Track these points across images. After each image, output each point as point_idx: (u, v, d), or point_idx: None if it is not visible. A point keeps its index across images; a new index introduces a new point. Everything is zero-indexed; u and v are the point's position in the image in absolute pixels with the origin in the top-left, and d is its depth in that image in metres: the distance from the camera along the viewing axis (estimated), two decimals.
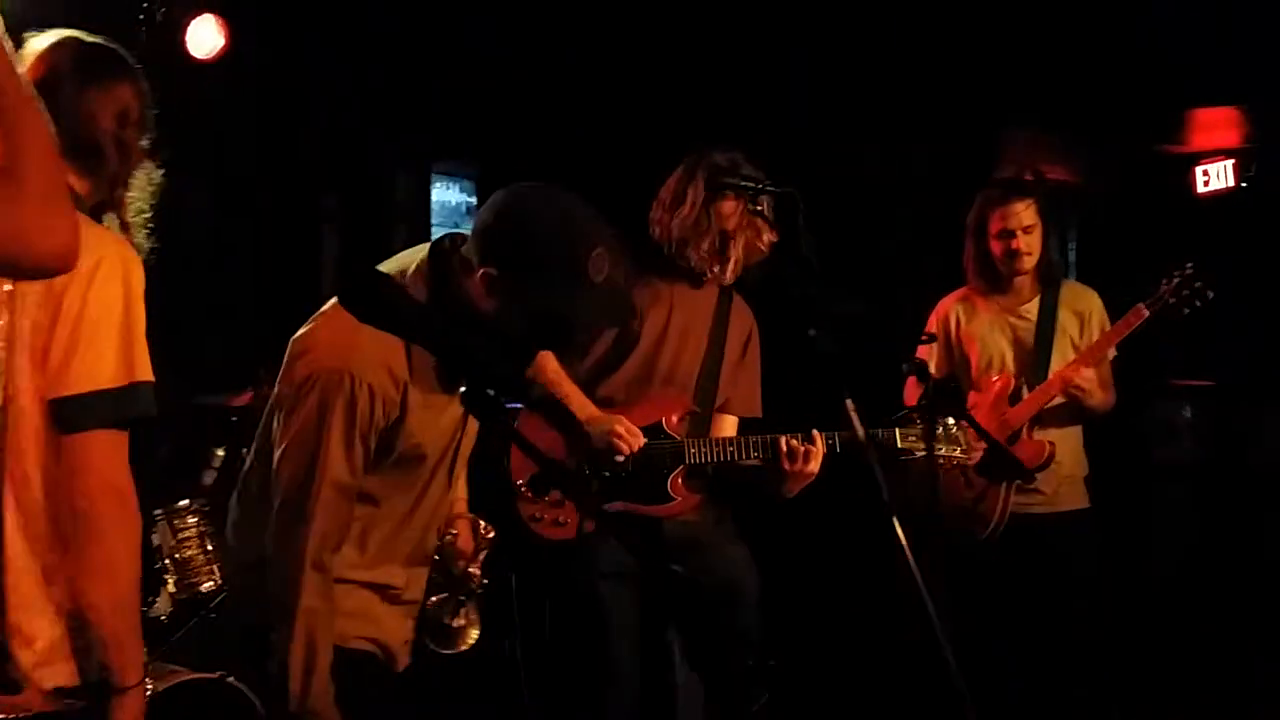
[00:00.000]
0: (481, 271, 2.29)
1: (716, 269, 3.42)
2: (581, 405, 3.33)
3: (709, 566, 3.46)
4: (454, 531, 2.64)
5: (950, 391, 3.13)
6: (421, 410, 2.37)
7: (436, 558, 2.61)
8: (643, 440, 3.31)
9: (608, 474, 3.31)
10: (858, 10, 5.56)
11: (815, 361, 2.60)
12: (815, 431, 3.29)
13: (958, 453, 3.49)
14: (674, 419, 3.40)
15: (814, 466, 3.32)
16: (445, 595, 2.59)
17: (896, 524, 2.26)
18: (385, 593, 2.50)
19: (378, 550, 2.47)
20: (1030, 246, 4.02)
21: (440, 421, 2.45)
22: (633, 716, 3.43)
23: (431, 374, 2.37)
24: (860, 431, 2.55)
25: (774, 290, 2.74)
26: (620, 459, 3.28)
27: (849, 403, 2.51)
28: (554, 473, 3.31)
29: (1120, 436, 4.24)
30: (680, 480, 3.38)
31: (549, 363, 3.35)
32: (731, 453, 3.35)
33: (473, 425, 2.55)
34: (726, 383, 3.51)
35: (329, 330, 2.36)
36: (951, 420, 3.41)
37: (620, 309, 2.50)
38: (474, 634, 2.65)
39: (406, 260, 2.44)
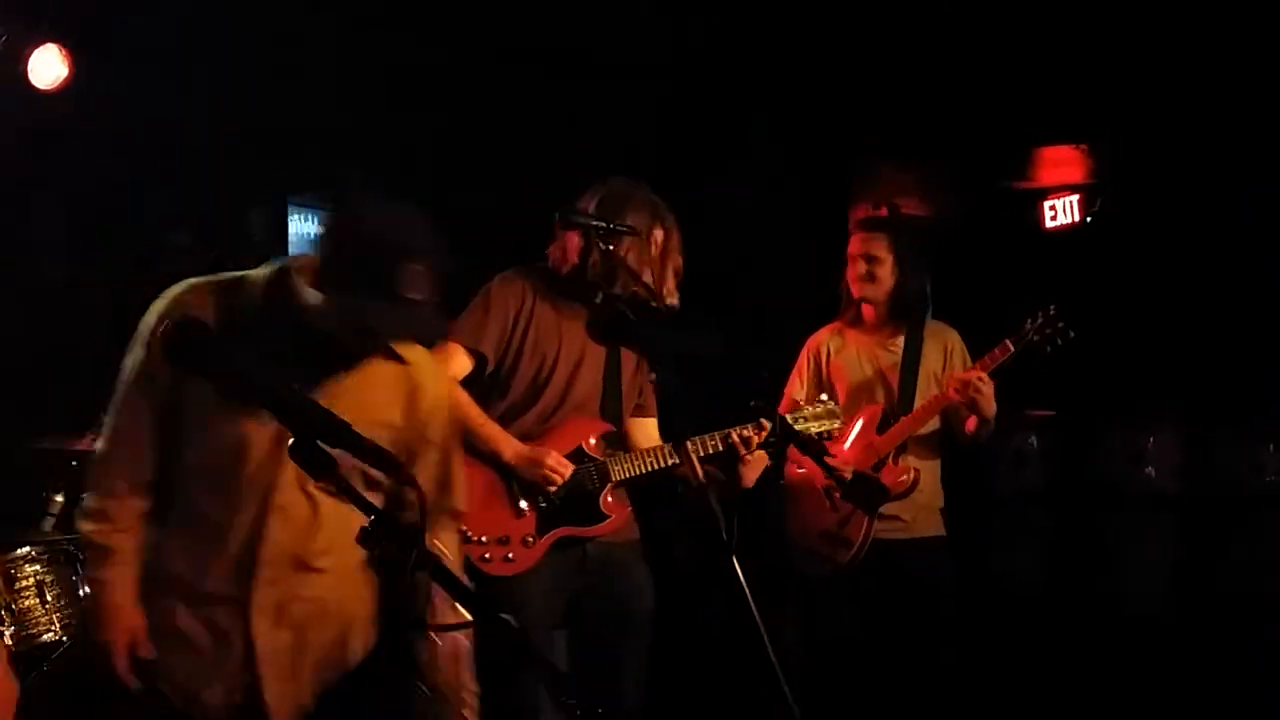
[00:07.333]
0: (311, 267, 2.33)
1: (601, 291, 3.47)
2: (508, 444, 3.44)
3: (615, 588, 3.53)
4: None
5: (795, 433, 3.20)
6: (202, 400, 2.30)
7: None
8: (571, 468, 3.43)
9: (544, 504, 3.44)
10: (721, 46, 5.65)
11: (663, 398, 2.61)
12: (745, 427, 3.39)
13: (837, 425, 3.66)
14: (592, 441, 3.52)
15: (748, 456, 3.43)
16: None
17: (735, 563, 2.27)
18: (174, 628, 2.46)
19: (182, 567, 2.45)
20: (874, 275, 4.15)
21: (234, 428, 2.38)
22: None
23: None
24: (699, 472, 2.57)
25: (616, 328, 2.76)
26: (553, 489, 3.41)
27: (689, 444, 2.51)
28: (495, 512, 3.42)
29: (966, 466, 4.37)
30: (610, 498, 3.50)
31: (470, 409, 3.43)
32: (651, 463, 3.48)
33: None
34: (631, 391, 3.61)
35: None
36: (825, 396, 3.59)
37: (424, 327, 2.46)
38: None
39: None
